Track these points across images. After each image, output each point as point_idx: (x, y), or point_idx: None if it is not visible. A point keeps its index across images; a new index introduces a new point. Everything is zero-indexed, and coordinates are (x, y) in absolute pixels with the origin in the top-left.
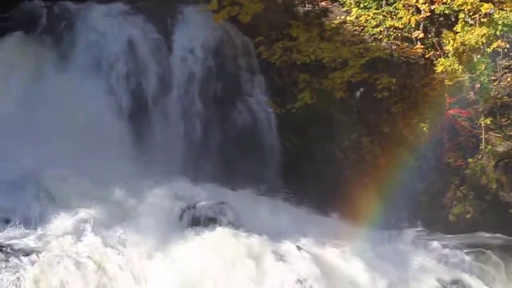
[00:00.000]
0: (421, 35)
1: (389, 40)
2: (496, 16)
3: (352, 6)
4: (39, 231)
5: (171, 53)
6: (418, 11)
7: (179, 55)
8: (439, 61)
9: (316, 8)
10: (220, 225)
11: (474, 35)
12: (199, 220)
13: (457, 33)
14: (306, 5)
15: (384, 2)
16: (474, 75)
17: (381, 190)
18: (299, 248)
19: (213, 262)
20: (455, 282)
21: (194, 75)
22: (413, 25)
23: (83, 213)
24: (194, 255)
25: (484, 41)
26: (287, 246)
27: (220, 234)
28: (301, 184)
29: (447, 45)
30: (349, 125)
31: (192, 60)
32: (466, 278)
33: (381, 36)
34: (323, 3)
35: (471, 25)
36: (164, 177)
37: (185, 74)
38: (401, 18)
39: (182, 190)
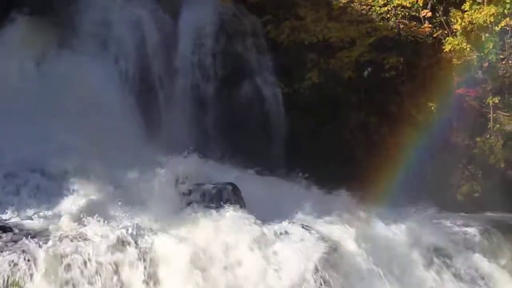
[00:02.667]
0: (429, 14)
1: (396, 19)
2: None
3: None
4: (46, 212)
5: (179, 33)
6: None
7: (187, 35)
8: (447, 40)
9: None
10: (226, 206)
11: (482, 13)
12: (206, 201)
13: (465, 11)
14: None
15: None
16: (482, 54)
17: (389, 170)
18: (305, 227)
19: (219, 243)
20: (463, 260)
21: (201, 54)
22: (421, 4)
23: (90, 194)
24: (200, 236)
25: (492, 19)
26: (293, 226)
27: (226, 215)
28: (309, 163)
29: (455, 24)
30: (357, 105)
31: (200, 39)
32: (474, 256)
33: (388, 15)
34: None
35: (479, 3)
36: (171, 156)
37: (192, 54)
38: None
39: (189, 170)
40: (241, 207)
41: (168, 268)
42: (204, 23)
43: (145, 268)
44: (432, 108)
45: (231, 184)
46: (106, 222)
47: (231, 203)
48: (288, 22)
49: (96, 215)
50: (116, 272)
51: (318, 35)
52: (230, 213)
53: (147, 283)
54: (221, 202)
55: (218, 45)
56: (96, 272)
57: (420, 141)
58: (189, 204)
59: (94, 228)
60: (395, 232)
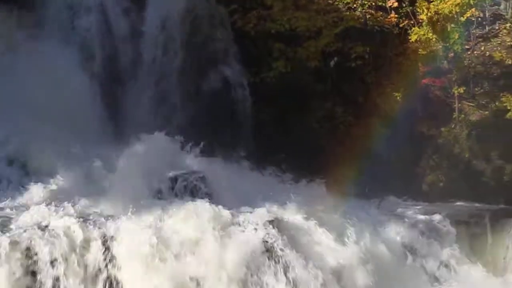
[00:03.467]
0: (395, 4)
1: (363, 9)
2: None
3: None
4: (12, 201)
5: (145, 22)
6: None
7: (153, 24)
8: (413, 30)
9: None
10: (195, 196)
11: (448, 4)
12: (174, 190)
13: (431, 2)
14: None
15: None
16: (447, 44)
17: (355, 159)
18: (272, 216)
19: (187, 232)
20: (427, 249)
21: (167, 43)
22: None
23: (56, 183)
24: (169, 225)
25: (458, 10)
26: (260, 215)
27: (192, 204)
28: (276, 153)
29: (421, 14)
30: (323, 95)
31: (166, 28)
32: (438, 246)
33: (355, 5)
34: None
35: None
36: (135, 144)
37: (158, 43)
38: None
39: (153, 159)
40: (208, 195)
41: (129, 256)
42: (171, 11)
43: (107, 254)
44: (398, 97)
45: (198, 172)
46: (69, 210)
47: (197, 192)
48: (255, 12)
49: (61, 203)
50: (80, 260)
51: (285, 25)
52: (197, 201)
53: (109, 269)
54: (188, 191)
55: (184, 34)
56: (57, 260)
57: (385, 131)
58: (154, 192)
59: (58, 218)
60: (360, 222)
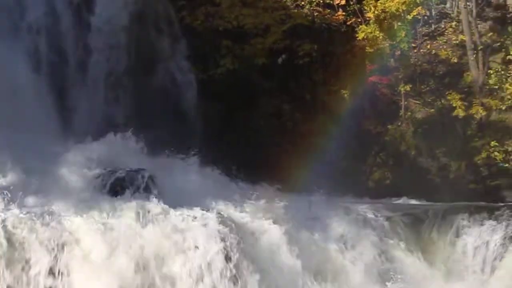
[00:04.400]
0: (343, 2)
1: (311, 6)
2: None
3: None
4: None
5: (92, 17)
6: None
7: (100, 19)
8: (360, 28)
9: None
10: (138, 192)
11: (395, 2)
12: (117, 186)
13: (378, 0)
14: None
15: None
16: (394, 42)
17: (302, 157)
18: (217, 213)
19: (129, 226)
20: (372, 246)
21: (114, 39)
22: None
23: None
24: (111, 221)
25: (405, 8)
26: (205, 212)
27: (138, 201)
28: (223, 150)
29: (368, 12)
30: (271, 92)
31: (113, 24)
32: (384, 242)
33: (303, 3)
34: None
35: None
36: (83, 141)
37: (105, 38)
38: None
39: (101, 156)
40: (154, 193)
41: (72, 254)
42: (118, 7)
43: (53, 253)
44: (345, 95)
45: (144, 170)
46: (12, 205)
47: (144, 189)
48: (203, 8)
49: (3, 198)
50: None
51: (233, 22)
52: (142, 199)
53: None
54: (134, 188)
55: (132, 30)
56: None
57: (333, 128)
58: (100, 190)
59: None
60: (307, 219)
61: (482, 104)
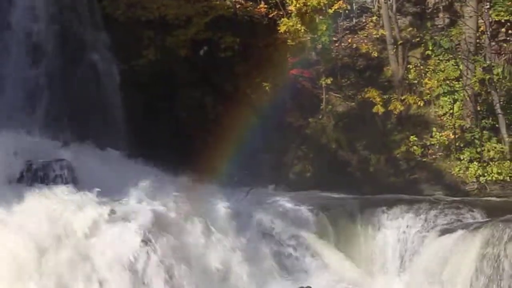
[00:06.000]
0: None
1: None
2: None
3: None
4: None
5: (13, 7)
6: None
7: (20, 11)
8: (282, 21)
9: None
10: (59, 182)
11: None
12: (38, 177)
13: None
14: None
15: None
16: (316, 36)
17: (224, 149)
18: (141, 206)
19: (49, 218)
20: (293, 238)
21: (35, 29)
22: None
23: None
24: (31, 212)
25: (326, 2)
26: (129, 204)
27: (57, 191)
28: (146, 141)
29: (290, 5)
30: (193, 84)
31: (33, 14)
32: (304, 234)
33: None
34: None
35: None
36: (4, 132)
37: (26, 29)
38: None
39: (23, 146)
40: (73, 184)
41: None
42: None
43: None
44: (267, 88)
45: (63, 160)
46: None
47: (62, 180)
48: None
49: None
50: None
51: (155, 12)
52: (60, 190)
53: None
54: (52, 179)
55: (51, 19)
56: None
57: (255, 121)
58: (14, 179)
59: None
60: (231, 211)
61: (401, 100)
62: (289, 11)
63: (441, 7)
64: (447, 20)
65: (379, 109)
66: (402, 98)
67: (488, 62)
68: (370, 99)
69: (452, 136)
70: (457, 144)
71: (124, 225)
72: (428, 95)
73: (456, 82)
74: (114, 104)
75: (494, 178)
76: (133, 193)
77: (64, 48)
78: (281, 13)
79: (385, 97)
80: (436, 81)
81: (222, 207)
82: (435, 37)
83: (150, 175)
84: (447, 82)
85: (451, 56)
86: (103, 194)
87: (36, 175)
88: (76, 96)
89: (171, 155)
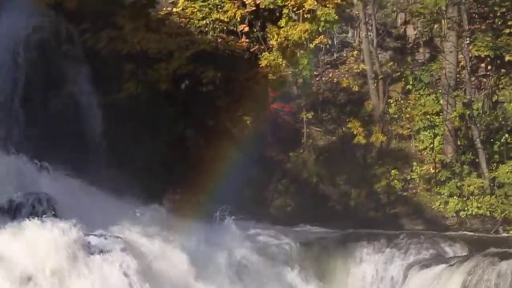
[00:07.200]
0: (246, 29)
1: (214, 33)
2: (319, 12)
3: None
4: None
5: None
6: (244, 5)
7: (1, 43)
8: (264, 55)
9: None
10: (37, 215)
11: (298, 30)
12: (15, 210)
13: (281, 28)
14: None
15: None
16: (297, 70)
17: (205, 183)
18: (121, 240)
19: (29, 253)
20: (274, 274)
21: (16, 62)
22: (239, 19)
23: None
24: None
25: (307, 36)
26: (109, 238)
27: (35, 225)
28: (127, 175)
29: (271, 39)
30: (174, 118)
31: (13, 46)
32: (284, 270)
33: (207, 29)
34: None
35: (294, 20)
36: None
37: (6, 61)
38: (227, 11)
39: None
40: (53, 216)
41: None
42: (19, 28)
43: None
44: (248, 122)
45: (44, 194)
46: None
47: (43, 213)
48: (106, 31)
49: None
50: None
51: (136, 46)
52: (39, 223)
53: None
54: (31, 211)
55: (32, 52)
56: None
57: (236, 155)
58: None
59: None
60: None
61: (382, 132)
62: (271, 46)
63: (421, 42)
64: (427, 55)
65: (360, 139)
66: (384, 130)
67: (468, 97)
68: (352, 131)
69: (433, 171)
70: (437, 178)
71: (103, 257)
72: (409, 130)
73: (437, 117)
74: (95, 137)
75: (474, 213)
76: (115, 227)
77: (44, 81)
78: (263, 47)
79: (366, 130)
80: (416, 116)
81: (200, 241)
82: (416, 72)
83: (132, 209)
84: (428, 116)
85: (432, 90)
86: (82, 227)
87: (16, 208)
88: (55, 129)
89: (151, 187)
